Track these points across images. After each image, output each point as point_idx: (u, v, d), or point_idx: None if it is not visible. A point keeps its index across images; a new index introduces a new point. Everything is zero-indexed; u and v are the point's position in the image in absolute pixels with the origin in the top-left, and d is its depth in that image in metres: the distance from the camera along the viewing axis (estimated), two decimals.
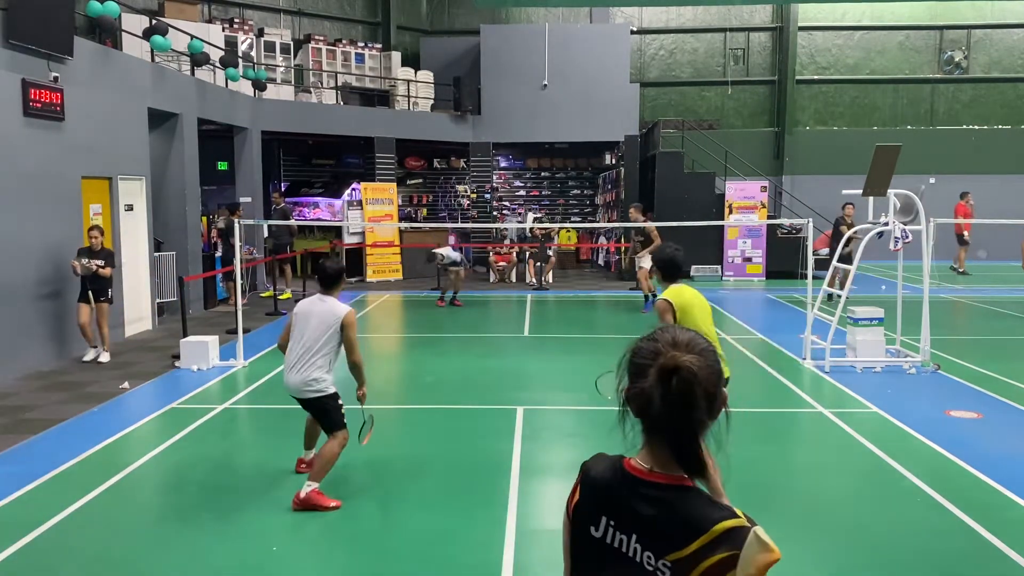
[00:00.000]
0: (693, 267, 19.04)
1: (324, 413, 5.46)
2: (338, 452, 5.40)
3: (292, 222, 16.27)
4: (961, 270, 19.45)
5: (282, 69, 19.19)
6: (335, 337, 5.41)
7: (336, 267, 5.67)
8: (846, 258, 11.82)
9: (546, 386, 8.46)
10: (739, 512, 1.45)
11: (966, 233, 19.31)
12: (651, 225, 14.07)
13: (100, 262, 9.59)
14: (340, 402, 5.47)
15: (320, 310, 5.45)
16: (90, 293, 9.70)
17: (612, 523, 1.52)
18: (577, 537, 1.58)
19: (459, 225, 22.38)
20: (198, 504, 5.44)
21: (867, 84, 24.51)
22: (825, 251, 18.17)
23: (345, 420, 5.46)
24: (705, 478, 1.51)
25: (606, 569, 1.53)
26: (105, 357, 9.89)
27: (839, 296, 12.75)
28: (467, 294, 16.32)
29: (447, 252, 14.61)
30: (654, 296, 13.85)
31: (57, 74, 9.97)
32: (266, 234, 16.10)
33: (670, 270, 5.29)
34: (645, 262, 13.86)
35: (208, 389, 8.56)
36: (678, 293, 5.09)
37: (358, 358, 5.49)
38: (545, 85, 21.15)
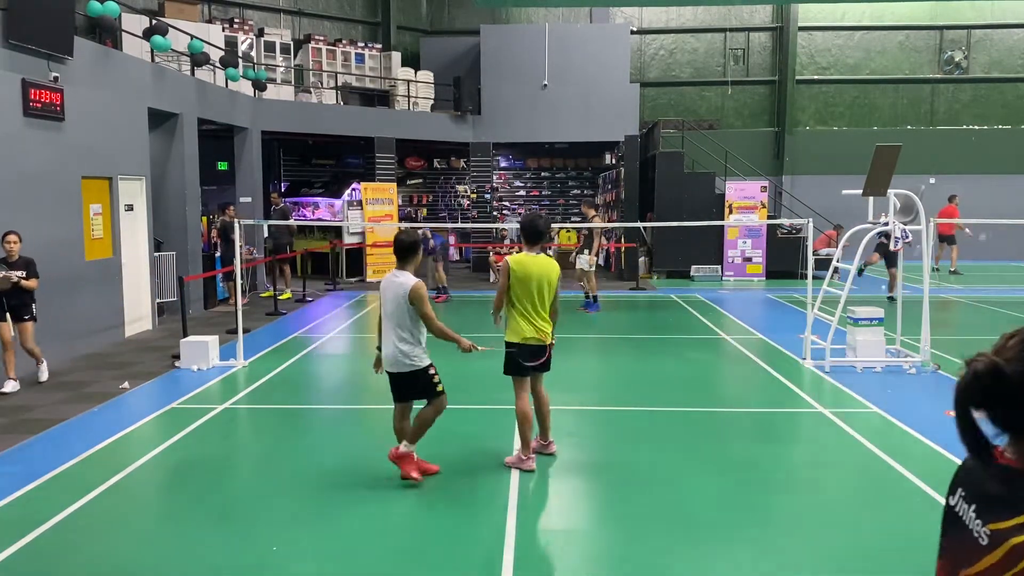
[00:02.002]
0: (693, 267, 19.05)
1: (418, 386, 5.63)
2: (433, 418, 5.65)
3: (292, 222, 16.25)
4: (952, 269, 19.54)
5: (282, 69, 19.18)
6: (409, 310, 5.50)
7: (408, 239, 5.63)
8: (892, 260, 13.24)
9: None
10: None
11: (967, 231, 19.35)
12: (597, 226, 13.85)
13: (21, 273, 8.20)
14: (433, 372, 5.64)
15: (393, 285, 5.57)
16: (7, 313, 8.24)
17: (963, 494, 1.67)
18: (945, 506, 1.77)
19: (459, 225, 22.39)
20: (198, 504, 5.43)
21: (867, 84, 24.52)
22: (825, 251, 18.20)
23: (441, 389, 5.63)
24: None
25: (948, 533, 1.70)
26: (44, 375, 8.66)
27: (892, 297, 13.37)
28: (467, 294, 16.32)
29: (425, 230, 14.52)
30: (594, 298, 13.89)
31: (57, 74, 9.96)
32: (266, 234, 16.09)
33: (526, 234, 5.95)
34: (583, 263, 13.80)
35: (208, 389, 8.56)
36: (520, 260, 5.81)
37: (436, 328, 5.57)
38: (545, 85, 21.14)
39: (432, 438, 6.68)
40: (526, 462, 5.99)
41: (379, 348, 5.86)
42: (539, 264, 5.87)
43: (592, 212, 14.50)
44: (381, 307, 5.72)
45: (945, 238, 19.34)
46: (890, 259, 13.71)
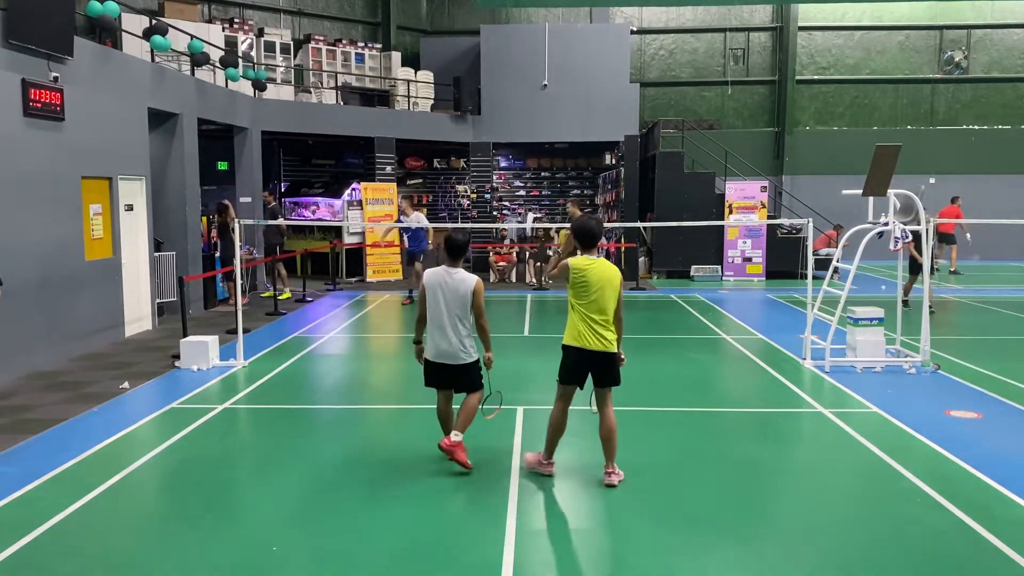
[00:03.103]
0: (693, 267, 19.05)
1: (471, 376, 6.00)
2: (477, 405, 6.04)
3: (281, 222, 16.20)
4: (952, 269, 19.55)
5: (282, 69, 19.19)
6: (468, 305, 5.91)
7: (464, 239, 6.07)
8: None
9: (546, 386, 8.42)
10: None
11: (968, 236, 19.36)
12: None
13: None
14: (480, 364, 6.07)
15: (451, 283, 5.91)
16: None
17: None
18: None
19: (459, 225, 22.38)
20: (198, 504, 5.43)
21: (867, 84, 24.53)
22: (825, 251, 18.20)
23: (483, 380, 6.07)
24: None
25: None
26: None
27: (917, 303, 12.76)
28: None
29: (417, 218, 14.14)
30: None
31: (57, 74, 9.96)
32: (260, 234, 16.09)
33: (581, 239, 5.72)
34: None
35: (208, 389, 8.56)
36: (580, 265, 5.60)
37: (486, 323, 6.02)
38: (545, 85, 21.15)
39: (433, 437, 6.69)
40: (545, 467, 5.88)
41: (417, 342, 6.24)
42: (600, 269, 5.61)
43: (578, 211, 14.50)
44: (430, 303, 5.95)
45: (945, 238, 19.36)
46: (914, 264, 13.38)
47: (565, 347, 5.71)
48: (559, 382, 5.80)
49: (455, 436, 5.90)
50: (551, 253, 17.92)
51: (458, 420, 5.98)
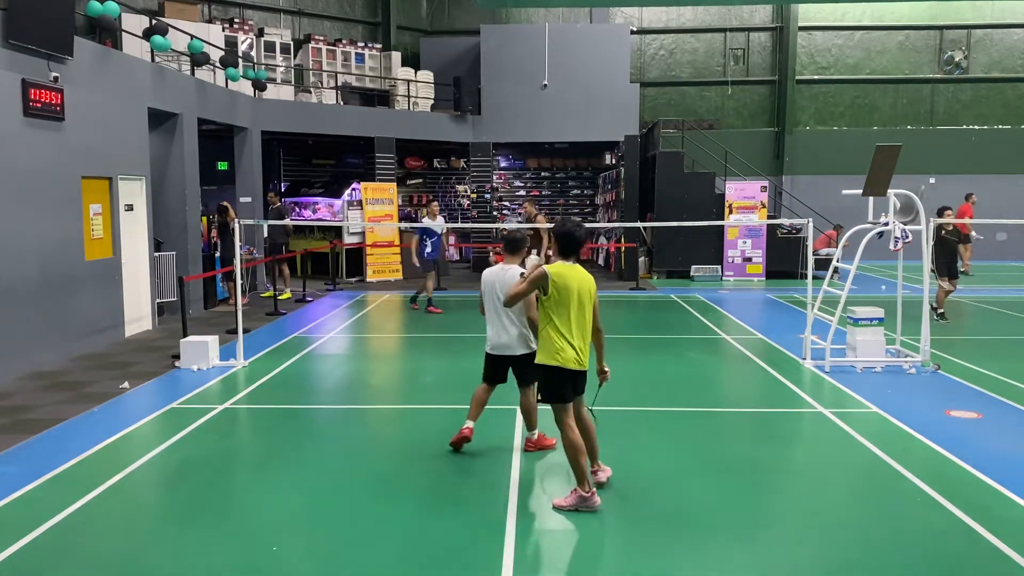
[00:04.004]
0: (693, 267, 19.05)
1: (529, 367, 5.97)
2: (534, 401, 6.16)
3: (288, 222, 16.21)
4: (963, 268, 19.51)
5: (282, 69, 19.18)
6: (526, 299, 5.92)
7: (520, 235, 6.39)
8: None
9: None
10: None
11: (973, 233, 19.32)
12: (543, 226, 13.34)
13: None
14: None
15: (505, 279, 6.08)
16: None
17: None
18: None
19: (459, 225, 22.38)
20: (198, 504, 5.43)
21: (867, 84, 24.52)
22: (825, 251, 18.20)
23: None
24: None
25: None
26: None
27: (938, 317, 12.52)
28: (470, 294, 16.29)
29: (437, 223, 13.61)
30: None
31: (57, 74, 9.96)
32: (264, 234, 16.07)
33: (563, 245, 5.37)
34: (530, 261, 13.27)
35: (208, 389, 8.55)
36: (560, 272, 5.22)
37: (535, 315, 5.91)
38: (545, 85, 21.15)
39: (433, 438, 6.70)
40: (589, 499, 5.18)
41: None
42: (579, 276, 5.25)
43: (535, 211, 14.44)
44: (487, 300, 6.22)
45: (963, 238, 19.29)
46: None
47: (544, 367, 5.27)
48: (556, 403, 5.30)
49: (532, 435, 6.34)
50: (551, 253, 17.88)
51: (526, 421, 6.35)
